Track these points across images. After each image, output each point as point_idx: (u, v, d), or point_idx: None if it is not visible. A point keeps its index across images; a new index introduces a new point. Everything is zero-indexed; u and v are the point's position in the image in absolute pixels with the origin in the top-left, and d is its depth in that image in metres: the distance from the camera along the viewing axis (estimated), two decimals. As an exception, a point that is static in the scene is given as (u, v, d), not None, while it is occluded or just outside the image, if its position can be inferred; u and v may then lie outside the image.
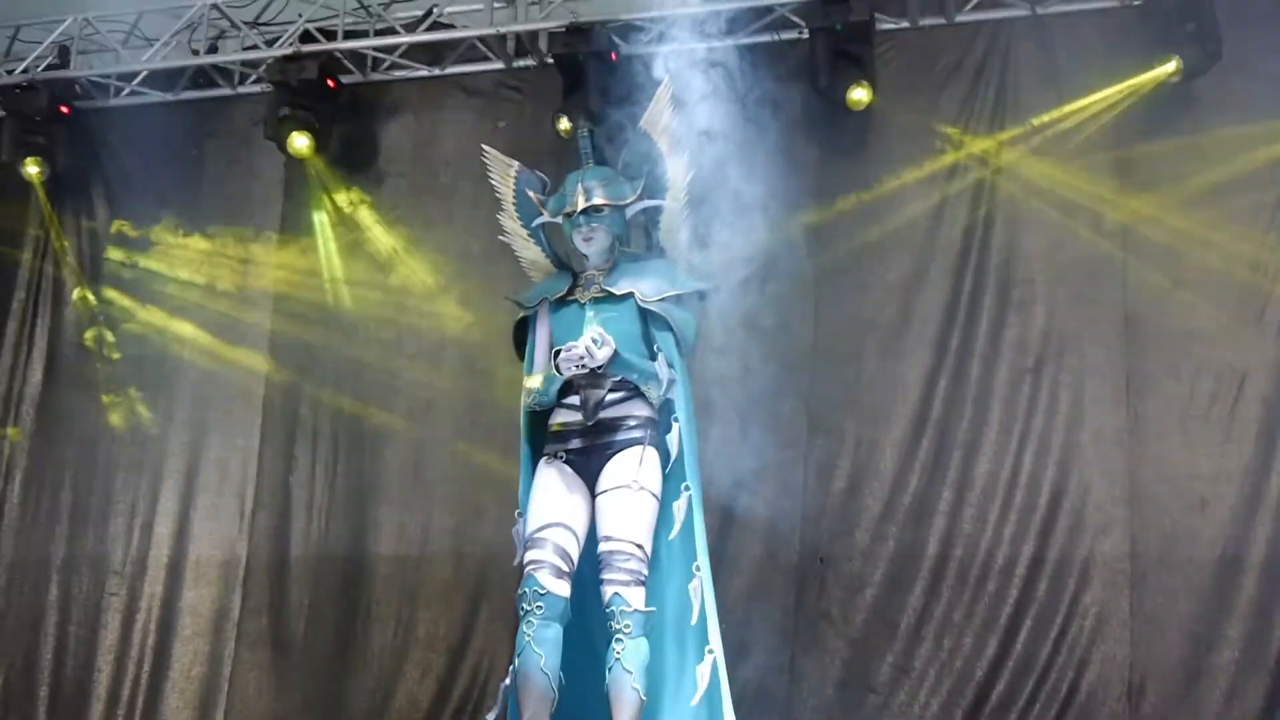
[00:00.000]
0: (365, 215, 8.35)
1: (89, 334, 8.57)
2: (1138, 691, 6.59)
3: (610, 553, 4.50)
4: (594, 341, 4.54)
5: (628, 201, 4.89)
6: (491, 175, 5.18)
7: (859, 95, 7.36)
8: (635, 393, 4.69)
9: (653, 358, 4.74)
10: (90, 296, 8.62)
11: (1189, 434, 6.85)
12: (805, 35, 7.56)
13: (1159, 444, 6.90)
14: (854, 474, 7.21)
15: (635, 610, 4.42)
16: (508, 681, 4.57)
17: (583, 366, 4.55)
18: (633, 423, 4.67)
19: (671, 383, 4.69)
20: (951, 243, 7.36)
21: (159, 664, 8.03)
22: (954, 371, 7.20)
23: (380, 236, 8.31)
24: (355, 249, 8.36)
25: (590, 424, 4.66)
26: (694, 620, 4.57)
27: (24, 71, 8.67)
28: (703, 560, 4.60)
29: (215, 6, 8.57)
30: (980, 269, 7.29)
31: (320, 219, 8.41)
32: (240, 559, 8.11)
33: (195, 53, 8.66)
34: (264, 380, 8.34)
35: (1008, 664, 6.79)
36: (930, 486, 7.09)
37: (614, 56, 7.64)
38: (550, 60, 7.86)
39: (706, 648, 4.55)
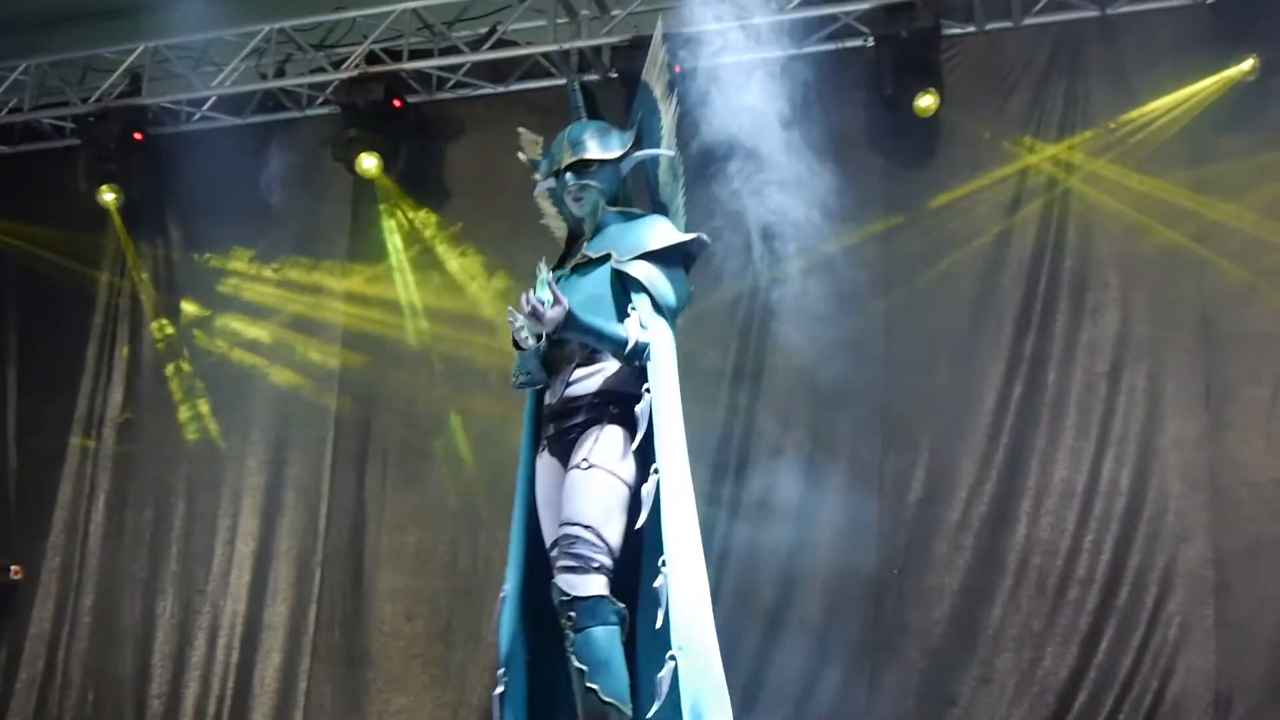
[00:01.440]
0: (433, 234, 8.43)
1: (169, 366, 8.74)
2: (1225, 702, 6.49)
3: (559, 538, 4.02)
4: (541, 303, 3.99)
5: (617, 155, 4.34)
6: (521, 154, 4.70)
7: (926, 102, 7.31)
8: (605, 367, 4.17)
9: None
10: (168, 325, 8.78)
11: (1272, 438, 6.74)
12: (870, 43, 7.53)
13: (1241, 449, 6.79)
14: (929, 484, 7.17)
15: (575, 598, 3.88)
16: (500, 690, 4.18)
17: (529, 333, 4.05)
18: (596, 400, 4.13)
19: (642, 346, 4.07)
20: (1023, 249, 7.29)
21: (241, 680, 8.15)
22: (1029, 379, 7.13)
23: (448, 254, 8.38)
24: (424, 267, 8.44)
25: (558, 406, 4.19)
26: (659, 623, 3.92)
27: (97, 100, 8.83)
28: (675, 553, 3.92)
29: (282, 30, 8.67)
30: (1053, 275, 7.22)
31: (389, 238, 8.50)
32: (314, 575, 8.21)
33: (263, 76, 8.78)
34: (335, 396, 8.45)
35: (1089, 674, 6.72)
36: (1007, 495, 7.03)
37: (677, 69, 7.61)
38: (614, 75, 7.87)
39: (669, 653, 3.86)
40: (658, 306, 4.15)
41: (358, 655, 8.03)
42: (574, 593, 3.89)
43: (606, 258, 4.22)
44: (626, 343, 4.05)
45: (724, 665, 6.99)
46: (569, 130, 4.41)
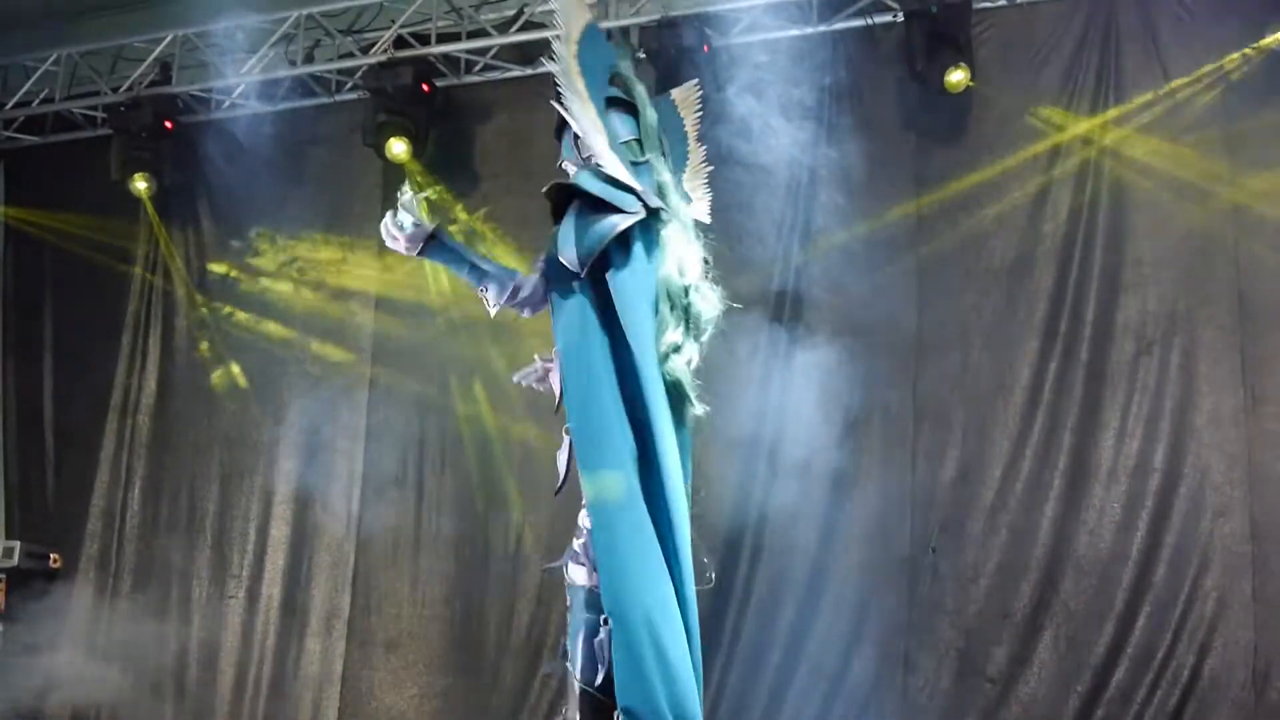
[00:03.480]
0: (463, 217, 8.43)
1: (203, 353, 8.79)
2: (1262, 677, 6.43)
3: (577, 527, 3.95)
4: (400, 227, 3.81)
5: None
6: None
7: (957, 77, 7.25)
8: None
9: None
10: (201, 312, 8.82)
11: (1311, 412, 6.67)
12: (900, 19, 7.48)
13: (1278, 424, 6.71)
14: (963, 462, 7.13)
15: (570, 585, 3.87)
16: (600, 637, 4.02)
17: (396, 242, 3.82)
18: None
19: (522, 281, 3.91)
20: (1056, 225, 7.23)
21: (278, 664, 8.23)
22: (1063, 356, 7.08)
23: (479, 237, 8.37)
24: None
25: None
26: (591, 584, 3.85)
27: (128, 89, 8.88)
28: (596, 516, 3.73)
29: (310, 16, 8.69)
30: (1087, 251, 7.15)
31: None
32: (349, 559, 8.26)
33: (292, 63, 8.79)
34: (368, 384, 8.48)
35: (1127, 651, 6.68)
36: (1042, 473, 6.98)
37: (706, 48, 7.61)
38: (643, 55, 7.84)
39: (602, 616, 3.74)
40: (553, 261, 3.89)
41: (394, 639, 8.09)
42: (571, 580, 3.86)
43: None
44: (512, 277, 3.91)
45: (760, 645, 7.11)
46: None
